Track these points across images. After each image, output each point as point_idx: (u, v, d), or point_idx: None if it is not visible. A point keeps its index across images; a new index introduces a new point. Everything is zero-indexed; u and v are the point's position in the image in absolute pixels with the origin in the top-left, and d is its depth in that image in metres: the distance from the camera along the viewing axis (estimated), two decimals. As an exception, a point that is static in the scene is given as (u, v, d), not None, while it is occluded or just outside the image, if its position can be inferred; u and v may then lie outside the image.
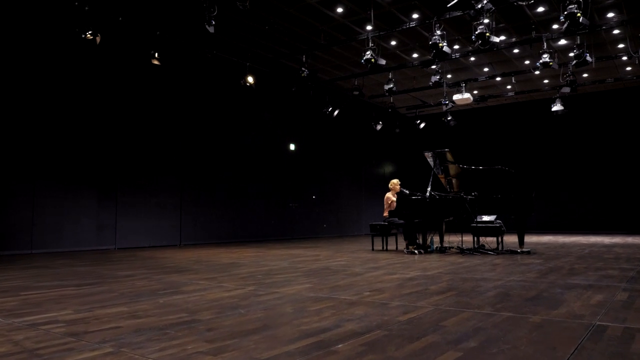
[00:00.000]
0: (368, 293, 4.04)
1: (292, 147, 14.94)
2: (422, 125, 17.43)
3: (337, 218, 16.63)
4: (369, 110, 17.21)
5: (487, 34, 9.10)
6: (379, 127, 16.62)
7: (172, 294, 4.09)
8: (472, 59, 13.48)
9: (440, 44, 9.61)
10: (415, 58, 13.35)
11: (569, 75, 12.74)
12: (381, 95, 16.03)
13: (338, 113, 14.85)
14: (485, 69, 14.37)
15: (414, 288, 4.31)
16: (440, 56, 9.83)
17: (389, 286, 4.43)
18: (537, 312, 3.17)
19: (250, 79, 12.07)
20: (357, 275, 5.25)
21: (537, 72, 14.63)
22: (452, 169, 9.06)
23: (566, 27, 8.63)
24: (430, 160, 8.92)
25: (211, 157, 12.40)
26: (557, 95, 14.76)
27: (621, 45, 12.46)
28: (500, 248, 8.75)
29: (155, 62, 10.44)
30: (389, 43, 12.31)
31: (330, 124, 15.86)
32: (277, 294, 4.01)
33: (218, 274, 5.49)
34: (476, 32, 9.18)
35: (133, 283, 4.78)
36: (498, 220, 8.83)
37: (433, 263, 6.63)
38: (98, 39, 9.24)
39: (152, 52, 10.34)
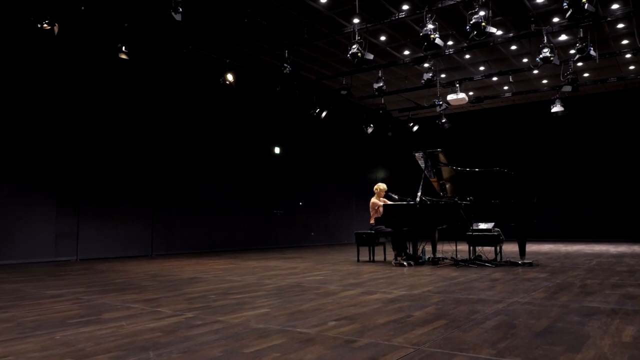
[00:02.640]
0: (333, 323, 3.16)
1: (277, 150, 14.08)
2: (415, 128, 16.63)
3: (325, 226, 15.74)
4: (359, 113, 16.40)
5: (483, 24, 8.30)
6: (370, 130, 15.80)
7: (83, 324, 3.20)
8: (467, 56, 12.69)
9: (432, 36, 8.80)
10: (406, 55, 12.54)
11: (570, 73, 11.96)
12: (371, 96, 15.23)
13: (326, 115, 14.01)
14: (481, 68, 13.58)
15: (394, 315, 3.43)
16: (432, 48, 9.02)
17: (363, 312, 3.56)
18: (555, 358, 2.30)
19: (230, 77, 11.22)
20: (328, 296, 4.37)
21: (535, 72, 13.88)
22: (446, 171, 8.22)
23: (570, 15, 7.84)
24: (421, 162, 8.07)
25: (188, 160, 11.51)
26: (557, 95, 14.00)
27: (625, 41, 11.69)
28: (498, 259, 7.90)
29: (123, 56, 9.59)
30: (378, 38, 11.50)
31: (317, 126, 15.00)
32: (217, 325, 3.13)
33: (165, 294, 4.60)
34: (471, 22, 8.39)
35: (50, 307, 3.89)
36: (496, 228, 7.98)
37: (422, 278, 5.75)
38: (56, 29, 8.39)
39: (119, 45, 9.50)
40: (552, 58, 9.83)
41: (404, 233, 7.75)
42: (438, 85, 13.47)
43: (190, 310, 3.68)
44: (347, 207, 16.85)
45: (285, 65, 10.62)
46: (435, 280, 5.47)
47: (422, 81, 11.49)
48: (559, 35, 11.35)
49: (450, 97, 13.22)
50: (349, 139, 16.96)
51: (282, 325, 3.09)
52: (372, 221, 8.34)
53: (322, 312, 3.57)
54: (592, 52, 9.52)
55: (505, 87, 15.38)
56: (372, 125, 15.73)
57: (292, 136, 14.65)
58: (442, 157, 7.91)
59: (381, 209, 7.98)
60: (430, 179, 8.36)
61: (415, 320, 3.22)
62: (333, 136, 16.25)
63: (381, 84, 11.97)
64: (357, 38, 9.67)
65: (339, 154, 16.58)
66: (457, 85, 13.39)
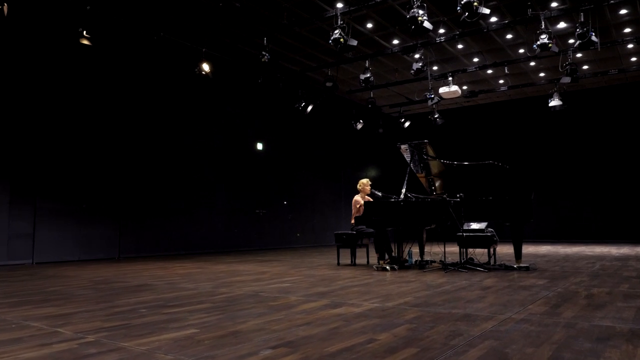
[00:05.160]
0: (268, 352, 2.40)
1: (259, 146, 13.30)
2: (407, 124, 15.88)
3: (312, 226, 14.97)
4: (348, 108, 15.64)
5: (475, 4, 7.57)
6: (359, 126, 15.05)
7: (-62, 354, 2.43)
8: (460, 46, 11.95)
9: (420, 18, 8.06)
10: (395, 45, 11.79)
11: (568, 64, 11.23)
12: (360, 90, 14.49)
13: (313, 109, 13.23)
14: (475, 59, 12.84)
15: (353, 338, 2.67)
16: (421, 32, 8.29)
17: (315, 334, 2.79)
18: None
19: (206, 67, 10.42)
20: (283, 310, 3.61)
21: (532, 64, 13.16)
22: (434, 166, 7.47)
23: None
24: (406, 155, 7.33)
25: (161, 156, 10.72)
26: (555, 88, 13.28)
27: (628, 30, 10.97)
28: (492, 262, 7.16)
29: (85, 42, 8.81)
30: (364, 26, 10.75)
31: (303, 121, 14.24)
32: (112, 356, 2.36)
33: (89, 307, 3.83)
34: (462, 2, 7.65)
35: None
36: (489, 229, 7.24)
37: (403, 285, 4.99)
38: (5, 9, 7.61)
39: (80, 29, 8.72)
40: (550, 45, 9.11)
41: (388, 234, 7.00)
42: (429, 77, 12.74)
43: (99, 331, 2.91)
44: (335, 206, 16.09)
45: (264, 53, 9.85)
46: (417, 289, 4.71)
47: (412, 71, 10.73)
48: (558, 23, 10.63)
49: (442, 89, 12.49)
50: (338, 135, 16.21)
51: (197, 356, 2.33)
52: (352, 221, 7.59)
53: (263, 333, 2.81)
54: (593, 38, 8.79)
55: (501, 81, 14.65)
56: (361, 121, 14.99)
57: (276, 131, 13.88)
58: (429, 150, 7.17)
59: (363, 208, 7.22)
60: (418, 175, 7.61)
61: (377, 348, 2.46)
62: (320, 132, 15.50)
63: (368, 75, 11.23)
64: (339, 22, 8.93)
65: (326, 151, 15.82)
66: (450, 78, 12.65)
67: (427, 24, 8.15)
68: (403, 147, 7.24)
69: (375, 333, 2.79)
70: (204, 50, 10.61)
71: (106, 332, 2.88)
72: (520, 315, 3.30)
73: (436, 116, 14.68)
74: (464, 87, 14.83)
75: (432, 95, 13.00)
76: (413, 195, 7.04)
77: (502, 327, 2.91)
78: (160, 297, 4.35)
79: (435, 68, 13.28)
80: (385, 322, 3.09)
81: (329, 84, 11.76)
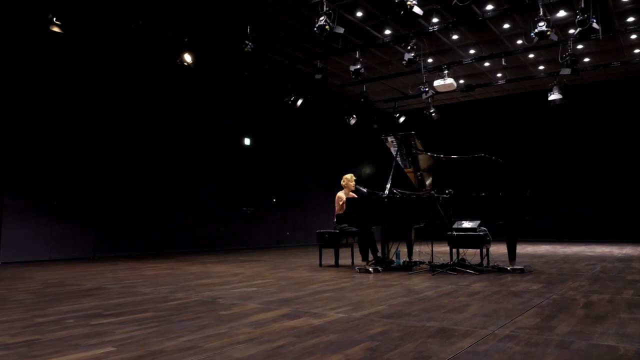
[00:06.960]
0: (178, 383, 1.90)
1: (247, 141, 12.79)
2: (402, 119, 15.37)
3: (303, 224, 14.46)
4: (340, 102, 15.13)
5: (468, -14, 7.06)
6: (352, 121, 14.55)
7: None
8: (455, 37, 11.41)
9: (409, 3, 7.56)
10: (387, 35, 11.27)
11: (568, 55, 10.69)
12: (352, 84, 13.98)
13: (304, 103, 12.72)
14: (472, 51, 12.31)
15: (295, 362, 2.17)
16: (411, 18, 7.78)
17: (251, 355, 2.29)
18: None
19: (188, 58, 9.92)
20: (231, 321, 3.11)
21: (531, 56, 12.64)
22: (423, 160, 6.96)
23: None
24: (393, 149, 6.83)
25: (141, 151, 10.22)
26: (555, 82, 12.76)
27: (631, 19, 10.44)
28: (485, 263, 6.66)
29: (56, 29, 8.31)
30: (354, 14, 10.23)
31: (293, 115, 13.73)
32: (-21, 387, 1.87)
33: (15, 315, 3.33)
34: (454, -15, 7.15)
35: None
36: (482, 227, 6.74)
37: (381, 290, 4.49)
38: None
39: (50, 15, 8.22)
40: (549, 33, 8.58)
41: (372, 233, 6.50)
42: (423, 69, 12.21)
43: (3, 349, 2.41)
44: (328, 204, 15.52)
45: (247, 42, 9.34)
46: (395, 295, 4.21)
47: (404, 61, 10.20)
48: (557, 11, 10.10)
49: (437, 82, 11.97)
50: (330, 130, 15.69)
51: (84, 390, 1.83)
52: (335, 219, 7.09)
53: (189, 354, 2.31)
54: (594, 25, 8.27)
55: (499, 74, 14.11)
56: (355, 116, 14.48)
57: (264, 126, 13.37)
58: (417, 143, 6.66)
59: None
60: (406, 170, 7.11)
61: (319, 377, 1.96)
62: (311, 127, 14.98)
63: (359, 67, 10.72)
64: (325, 9, 8.41)
65: (318, 147, 15.31)
66: (445, 70, 12.12)
67: (416, 9, 7.67)
68: (389, 139, 6.74)
69: (326, 354, 2.29)
70: (186, 40, 10.11)
71: (4, 351, 2.39)
72: (506, 330, 2.80)
73: (432, 111, 14.17)
74: (461, 81, 14.30)
75: (427, 89, 12.49)
76: (399, 192, 6.53)
77: (480, 347, 2.41)
78: (103, 303, 3.85)
79: (430, 60, 12.76)
80: (343, 339, 2.59)
81: (318, 76, 11.25)
